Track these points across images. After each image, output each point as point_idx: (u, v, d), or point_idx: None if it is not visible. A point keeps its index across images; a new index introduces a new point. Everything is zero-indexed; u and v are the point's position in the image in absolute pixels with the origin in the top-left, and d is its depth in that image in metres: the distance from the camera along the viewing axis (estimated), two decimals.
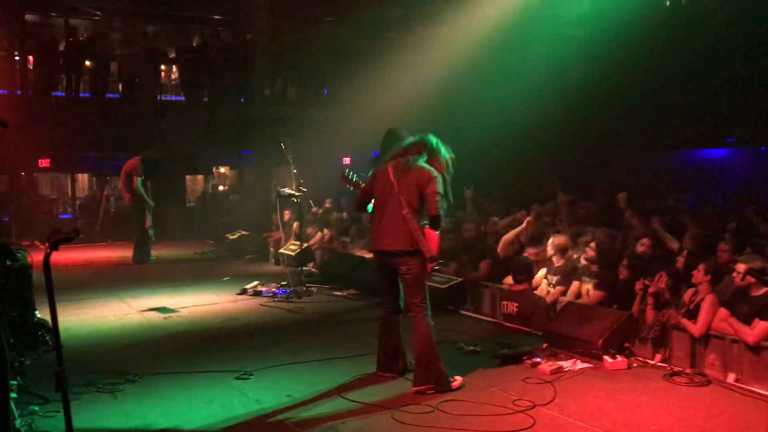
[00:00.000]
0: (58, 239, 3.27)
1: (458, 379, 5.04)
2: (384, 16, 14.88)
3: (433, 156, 5.19)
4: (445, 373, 4.96)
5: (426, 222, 5.10)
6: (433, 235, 5.07)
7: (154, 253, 11.66)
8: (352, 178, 5.83)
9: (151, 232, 11.29)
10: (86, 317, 7.41)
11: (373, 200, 5.29)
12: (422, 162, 5.15)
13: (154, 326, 7.07)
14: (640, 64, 12.76)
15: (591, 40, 12.19)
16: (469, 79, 13.71)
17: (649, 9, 12.73)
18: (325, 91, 15.62)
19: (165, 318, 7.39)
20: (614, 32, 12.07)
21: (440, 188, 5.02)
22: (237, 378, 5.26)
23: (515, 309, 6.85)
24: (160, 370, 5.49)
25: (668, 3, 12.89)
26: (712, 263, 6.19)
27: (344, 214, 11.56)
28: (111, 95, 15.87)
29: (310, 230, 10.98)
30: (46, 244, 3.25)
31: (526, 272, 7.03)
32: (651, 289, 6.11)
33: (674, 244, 7.77)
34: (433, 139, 5.26)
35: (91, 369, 5.43)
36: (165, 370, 5.50)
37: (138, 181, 11.09)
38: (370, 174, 5.50)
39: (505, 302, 7.07)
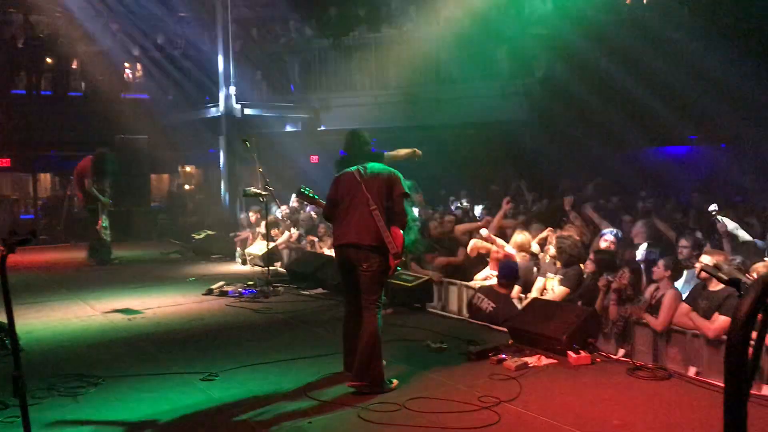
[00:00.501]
0: (15, 241, 3.20)
1: (394, 383, 5.01)
2: (350, 14, 14.86)
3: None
4: (382, 375, 4.92)
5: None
6: (399, 232, 5.08)
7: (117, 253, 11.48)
8: (309, 193, 5.80)
9: (107, 233, 11.06)
10: (48, 319, 7.29)
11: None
12: (385, 167, 5.25)
13: (117, 328, 6.96)
14: (603, 62, 12.93)
15: (554, 39, 12.31)
16: (434, 77, 13.77)
17: (610, 8, 12.91)
18: (292, 88, 15.55)
19: (129, 319, 7.29)
20: (577, 31, 12.21)
21: (407, 190, 5.13)
22: (202, 379, 5.21)
23: (491, 308, 6.85)
24: (124, 372, 5.42)
25: (628, 2, 13.06)
26: (672, 259, 6.30)
27: (313, 213, 11.53)
28: (73, 93, 15.64)
29: (276, 231, 10.92)
30: (2, 247, 3.18)
31: (511, 277, 6.98)
32: (614, 286, 6.20)
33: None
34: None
35: (52, 372, 5.34)
36: (128, 372, 5.42)
37: (89, 182, 10.88)
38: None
39: (482, 296, 7.00)
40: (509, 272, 6.95)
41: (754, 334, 1.80)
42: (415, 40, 13.63)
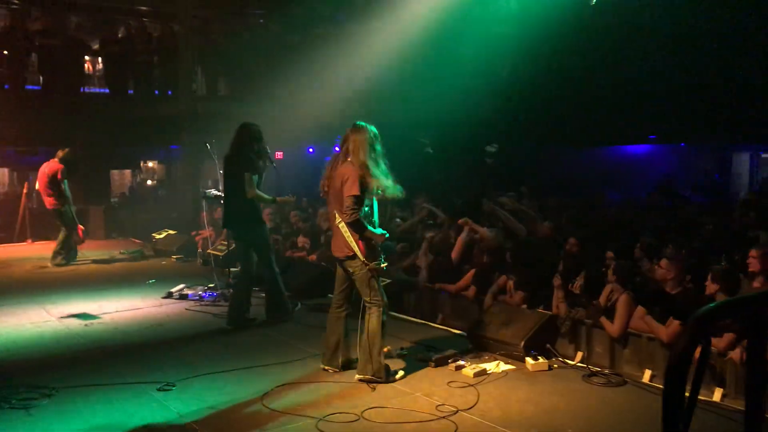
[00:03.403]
0: None
1: (400, 374, 5.36)
2: (314, 11, 14.75)
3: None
4: (384, 366, 5.22)
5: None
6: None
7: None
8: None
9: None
10: (2, 325, 7.10)
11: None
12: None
13: (73, 334, 6.82)
14: (566, 62, 13.06)
15: (519, 39, 12.40)
16: (400, 75, 13.76)
17: (575, 8, 13.03)
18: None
19: (86, 325, 7.14)
20: (541, 31, 12.32)
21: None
22: (159, 389, 5.14)
23: None
24: (79, 382, 5.31)
25: (593, 2, 13.19)
26: (622, 265, 6.35)
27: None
28: (31, 87, 15.27)
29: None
30: None
31: None
32: (556, 283, 6.27)
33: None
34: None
35: (4, 383, 5.23)
36: (84, 382, 5.32)
37: (65, 184, 10.76)
38: None
39: None
40: None
41: None
42: (381, 38, 13.59)
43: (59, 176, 10.77)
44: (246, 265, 7.04)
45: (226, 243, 9.59)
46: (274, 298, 7.11)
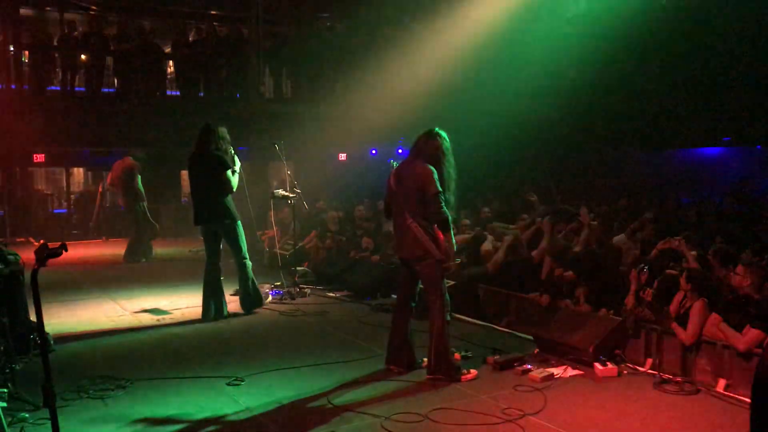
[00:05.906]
0: (47, 254, 3.27)
1: (473, 372, 5.37)
2: (380, 13, 14.84)
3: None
4: (454, 366, 5.29)
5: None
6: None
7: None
8: None
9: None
10: (79, 319, 7.40)
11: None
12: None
13: (146, 328, 7.05)
14: (635, 63, 12.77)
15: (586, 40, 12.20)
16: (465, 77, 13.72)
17: (644, 9, 12.73)
18: None
19: (158, 320, 7.38)
20: (609, 32, 12.08)
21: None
22: (228, 384, 5.26)
23: None
24: (152, 375, 5.49)
25: (664, 2, 12.86)
26: (695, 271, 6.16)
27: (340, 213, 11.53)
28: (106, 90, 15.83)
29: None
30: (34, 262, 3.25)
31: None
32: (634, 280, 6.10)
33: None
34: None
35: (82, 374, 5.43)
36: (156, 375, 5.50)
37: (139, 179, 11.26)
38: None
39: None
40: None
41: None
42: (446, 40, 13.57)
43: (133, 171, 11.21)
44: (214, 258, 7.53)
45: (292, 242, 9.74)
46: (247, 290, 7.49)
